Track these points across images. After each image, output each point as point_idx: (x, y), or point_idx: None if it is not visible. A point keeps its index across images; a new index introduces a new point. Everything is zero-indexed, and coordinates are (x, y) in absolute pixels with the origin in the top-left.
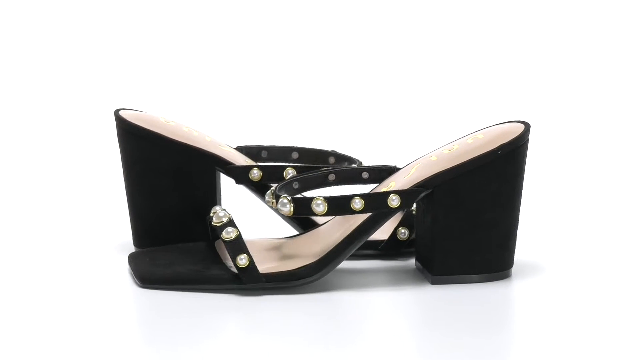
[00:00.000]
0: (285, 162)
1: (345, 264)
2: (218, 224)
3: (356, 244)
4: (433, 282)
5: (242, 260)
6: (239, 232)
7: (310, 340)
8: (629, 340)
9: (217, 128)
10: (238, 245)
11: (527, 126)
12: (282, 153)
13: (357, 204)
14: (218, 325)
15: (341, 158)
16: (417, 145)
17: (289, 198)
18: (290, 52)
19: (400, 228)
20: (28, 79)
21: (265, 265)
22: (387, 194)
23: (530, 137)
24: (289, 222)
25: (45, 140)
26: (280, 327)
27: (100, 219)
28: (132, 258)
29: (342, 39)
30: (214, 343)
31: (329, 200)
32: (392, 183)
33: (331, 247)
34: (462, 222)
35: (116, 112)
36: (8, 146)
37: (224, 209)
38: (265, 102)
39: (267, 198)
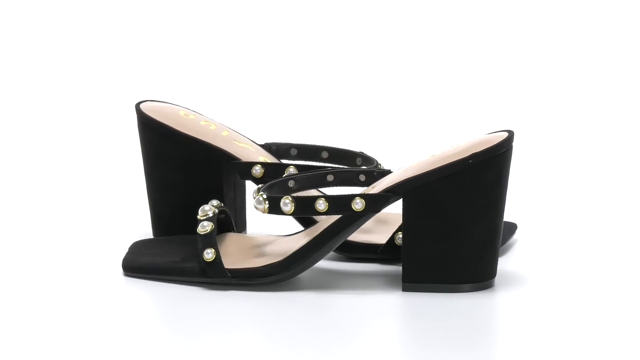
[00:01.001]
0: (316, 161)
1: (339, 266)
2: (202, 217)
3: (326, 246)
4: (404, 289)
5: (209, 254)
6: (214, 227)
7: (272, 340)
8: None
9: (258, 124)
10: (208, 240)
11: (508, 136)
12: (311, 151)
13: (321, 205)
14: (178, 318)
15: (367, 159)
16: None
17: (265, 196)
18: (332, 52)
19: (399, 233)
20: (85, 67)
21: (245, 262)
22: (351, 197)
23: (515, 146)
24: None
25: (85, 127)
26: (242, 324)
27: (130, 208)
28: (132, 247)
29: (382, 41)
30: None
31: (296, 200)
32: (373, 187)
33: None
34: (432, 230)
35: (137, 104)
36: (51, 132)
37: (219, 204)
38: (308, 100)
39: (253, 195)
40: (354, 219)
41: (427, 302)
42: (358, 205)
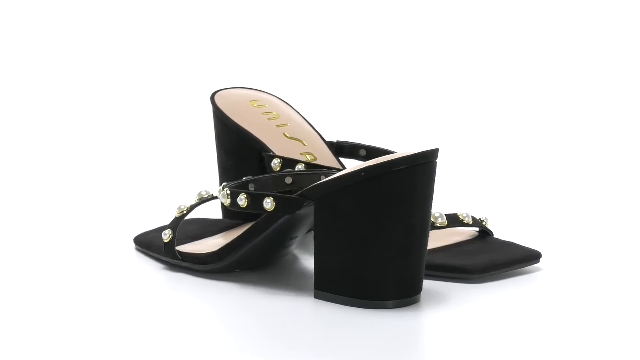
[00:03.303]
0: None
1: None
2: (197, 200)
3: (255, 243)
4: (315, 296)
5: (166, 235)
6: (188, 211)
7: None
8: None
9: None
10: (174, 222)
11: (413, 154)
12: (379, 154)
13: (242, 201)
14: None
15: None
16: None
17: (229, 191)
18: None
19: None
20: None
21: (212, 247)
22: (263, 196)
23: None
24: None
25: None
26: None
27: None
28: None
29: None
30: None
31: (231, 193)
32: None
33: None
34: (336, 239)
35: (214, 93)
36: (126, 110)
37: (223, 190)
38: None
39: None
40: (275, 218)
41: (338, 312)
42: (267, 205)
